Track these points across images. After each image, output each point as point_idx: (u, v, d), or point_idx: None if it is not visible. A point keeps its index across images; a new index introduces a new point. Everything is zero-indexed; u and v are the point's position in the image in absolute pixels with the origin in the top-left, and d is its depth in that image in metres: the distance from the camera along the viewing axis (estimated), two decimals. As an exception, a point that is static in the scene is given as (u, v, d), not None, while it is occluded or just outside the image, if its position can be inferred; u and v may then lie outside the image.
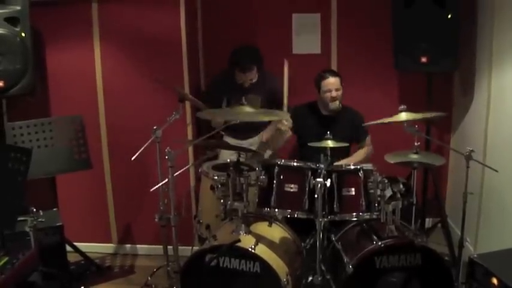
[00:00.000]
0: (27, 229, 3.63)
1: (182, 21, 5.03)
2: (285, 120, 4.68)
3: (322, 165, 3.79)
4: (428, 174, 5.44)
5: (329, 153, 4.03)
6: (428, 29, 4.88)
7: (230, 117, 4.36)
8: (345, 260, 3.73)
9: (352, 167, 3.95)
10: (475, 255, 3.46)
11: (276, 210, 3.86)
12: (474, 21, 5.07)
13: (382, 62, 5.54)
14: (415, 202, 4.06)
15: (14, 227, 3.41)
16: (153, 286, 4.72)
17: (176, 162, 4.01)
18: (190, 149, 5.26)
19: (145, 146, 4.11)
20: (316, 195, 3.40)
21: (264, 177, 3.88)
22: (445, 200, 6.03)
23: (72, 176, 4.96)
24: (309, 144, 4.28)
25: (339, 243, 4.07)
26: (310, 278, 3.69)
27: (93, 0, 5.11)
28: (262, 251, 3.67)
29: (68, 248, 4.86)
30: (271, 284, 3.58)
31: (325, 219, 3.78)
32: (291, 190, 3.85)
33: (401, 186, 3.81)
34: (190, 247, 4.62)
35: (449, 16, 4.82)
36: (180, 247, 4.28)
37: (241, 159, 4.10)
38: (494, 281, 3.19)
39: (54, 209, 4.84)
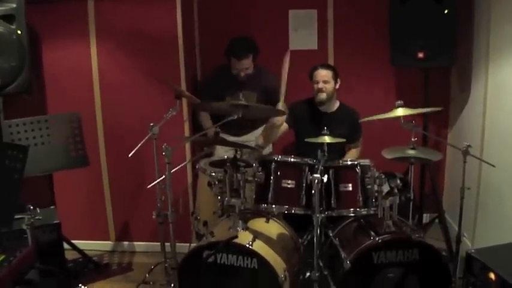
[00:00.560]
0: (24, 227, 3.62)
1: (178, 18, 5.02)
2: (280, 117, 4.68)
3: (319, 161, 3.79)
4: (426, 169, 5.44)
5: (326, 149, 4.02)
6: (425, 25, 4.89)
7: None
8: (343, 255, 3.73)
9: (349, 163, 3.96)
10: (473, 250, 3.46)
11: (273, 206, 3.87)
12: (471, 17, 5.07)
13: (379, 58, 5.55)
14: (412, 197, 4.06)
15: (10, 225, 3.40)
16: (151, 283, 4.71)
17: (173, 159, 4.02)
18: (187, 146, 5.26)
19: (142, 142, 4.11)
20: (313, 191, 3.39)
21: (261, 173, 3.89)
22: (443, 195, 6.04)
23: (69, 173, 4.95)
24: (305, 139, 4.27)
25: (337, 239, 4.07)
26: (307, 274, 3.67)
27: (90, -3, 5.12)
28: (259, 247, 3.67)
29: (66, 245, 4.84)
30: (268, 280, 3.58)
31: (323, 215, 3.79)
32: (288, 186, 3.85)
33: (398, 181, 3.80)
34: (188, 244, 4.61)
35: (445, 11, 4.81)
36: (177, 244, 4.30)
37: (238, 156, 4.09)
38: (492, 275, 3.20)
39: (52, 207, 4.81)
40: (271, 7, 5.81)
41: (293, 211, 3.84)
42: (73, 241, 5.10)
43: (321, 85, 4.80)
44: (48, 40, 5.24)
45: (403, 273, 3.74)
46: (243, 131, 5.36)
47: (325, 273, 3.89)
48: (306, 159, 3.89)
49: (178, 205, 4.36)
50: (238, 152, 4.14)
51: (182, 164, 4.52)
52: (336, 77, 4.85)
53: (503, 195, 4.29)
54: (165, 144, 3.94)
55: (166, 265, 4.47)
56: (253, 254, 3.61)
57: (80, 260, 5.19)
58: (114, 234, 5.63)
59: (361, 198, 3.85)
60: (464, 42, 5.17)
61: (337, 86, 4.88)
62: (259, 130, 5.31)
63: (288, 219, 4.32)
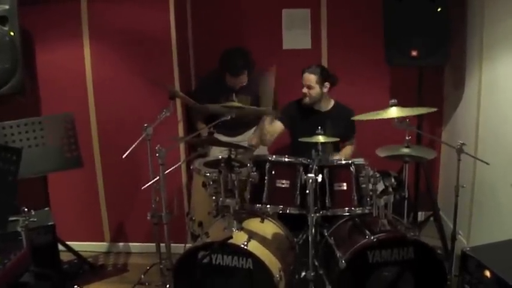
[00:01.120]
0: (18, 229, 3.62)
1: (172, 18, 5.01)
2: (268, 124, 4.69)
3: (313, 161, 3.79)
4: (420, 167, 5.44)
5: (320, 148, 4.02)
6: (419, 23, 4.89)
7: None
8: (338, 254, 3.73)
9: (343, 162, 3.95)
10: (468, 248, 3.46)
11: (268, 206, 3.86)
12: (464, 15, 5.08)
13: (372, 56, 5.55)
14: (407, 196, 4.06)
15: (5, 227, 3.40)
16: (147, 284, 4.71)
17: (168, 160, 4.01)
18: (182, 146, 5.25)
19: (136, 143, 4.11)
20: (307, 191, 3.39)
21: (255, 173, 3.88)
22: (437, 193, 6.05)
23: (63, 174, 4.95)
24: (299, 139, 4.28)
25: (332, 238, 4.07)
26: (303, 274, 3.69)
27: (83, -2, 5.10)
28: (254, 247, 3.67)
29: (61, 247, 4.85)
30: (264, 280, 3.58)
31: (317, 215, 3.78)
32: (283, 186, 3.84)
33: (392, 180, 3.80)
34: (183, 244, 4.62)
35: (439, 10, 4.82)
36: (173, 244, 4.30)
37: (232, 156, 4.09)
38: (487, 273, 3.20)
39: (46, 209, 4.82)
40: (265, 7, 5.80)
41: (288, 211, 3.83)
42: (68, 242, 5.09)
43: (304, 90, 4.82)
44: (42, 41, 5.22)
45: (398, 272, 3.75)
46: (237, 132, 5.37)
47: (321, 272, 3.89)
48: (300, 159, 3.88)
49: (173, 206, 4.37)
50: (233, 152, 4.14)
51: (176, 165, 4.51)
52: (323, 80, 4.83)
53: (497, 193, 4.30)
54: (158, 145, 3.94)
55: (161, 266, 4.46)
56: (248, 254, 3.61)
57: (75, 261, 5.18)
58: (109, 235, 5.62)
59: (355, 197, 3.84)
60: (457, 40, 5.17)
61: (325, 89, 4.87)
62: (253, 130, 5.31)
63: (283, 218, 4.32)
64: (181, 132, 5.23)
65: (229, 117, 3.96)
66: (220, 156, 4.13)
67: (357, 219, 4.12)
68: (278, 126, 4.92)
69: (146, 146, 4.22)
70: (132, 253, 5.60)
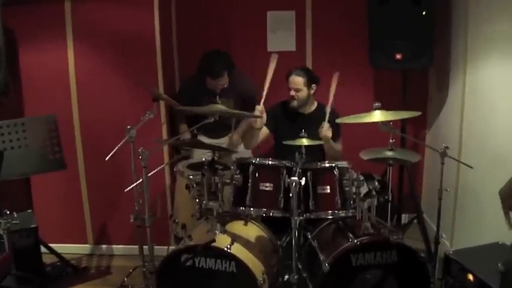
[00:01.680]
0: (0, 232, 3.60)
1: (156, 20, 5.00)
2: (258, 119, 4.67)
3: (297, 164, 3.79)
4: (404, 170, 5.45)
5: (304, 151, 4.02)
6: (403, 26, 4.91)
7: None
8: (321, 258, 3.72)
9: (327, 165, 3.95)
10: (451, 252, 3.48)
11: (252, 209, 3.85)
12: (448, 18, 5.10)
13: (357, 59, 5.57)
14: (390, 199, 4.06)
15: (-14, 230, 3.38)
16: (130, 287, 4.69)
17: (151, 161, 4.00)
18: (165, 148, 5.23)
19: (119, 146, 4.08)
20: (291, 194, 3.38)
21: (239, 176, 3.88)
22: (421, 196, 6.07)
23: (46, 176, 4.92)
24: (283, 142, 4.27)
25: (315, 241, 4.06)
26: (286, 277, 3.68)
27: (66, -1, 5.07)
28: (237, 250, 3.66)
29: (44, 249, 4.82)
30: (247, 283, 3.56)
31: (301, 218, 3.79)
32: (266, 189, 3.85)
33: (376, 183, 3.81)
34: (167, 247, 4.60)
35: (423, 13, 4.83)
36: (156, 247, 4.28)
37: (216, 158, 4.08)
38: (470, 277, 3.22)
39: (29, 211, 4.79)
40: (250, 9, 5.81)
41: (271, 214, 3.84)
42: (51, 245, 5.05)
43: (292, 93, 4.81)
44: (25, 42, 5.18)
45: (381, 275, 3.74)
46: (220, 134, 5.34)
47: (304, 275, 3.89)
48: (283, 162, 3.89)
49: (156, 208, 4.34)
50: (216, 154, 4.13)
51: (159, 168, 4.50)
52: (310, 82, 4.83)
53: (481, 196, 4.31)
54: (141, 148, 3.92)
55: (144, 269, 4.44)
56: (231, 257, 3.59)
57: (58, 263, 5.14)
58: (92, 237, 5.59)
59: (339, 201, 3.86)
60: (442, 43, 5.19)
61: (313, 91, 4.88)
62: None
63: (266, 221, 4.31)
64: (164, 134, 5.21)
65: (212, 119, 3.95)
66: (204, 159, 4.11)
67: (340, 222, 4.11)
68: (263, 130, 4.91)
69: (129, 148, 4.20)
70: (115, 255, 5.57)
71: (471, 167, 3.89)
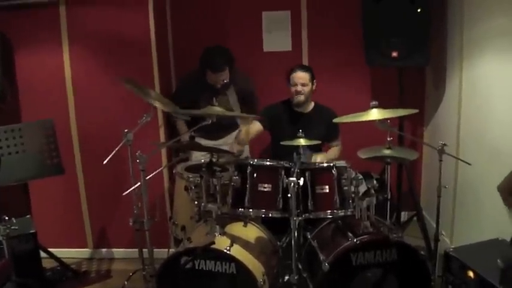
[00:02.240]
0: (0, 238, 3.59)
1: (151, 22, 4.99)
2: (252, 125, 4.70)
3: (295, 164, 3.79)
4: (403, 168, 5.45)
5: (302, 150, 4.01)
6: (399, 24, 4.90)
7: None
8: (321, 257, 3.71)
9: (325, 165, 3.94)
10: (451, 249, 3.48)
11: (250, 210, 3.85)
12: (444, 16, 5.10)
13: (353, 58, 5.58)
14: (389, 197, 4.06)
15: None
16: (130, 290, 4.69)
17: (149, 164, 3.98)
18: (163, 151, 5.23)
19: (116, 149, 4.07)
20: (289, 195, 3.38)
21: (237, 177, 3.87)
22: (420, 193, 6.06)
23: (44, 181, 4.89)
24: (281, 143, 4.27)
25: (315, 241, 4.05)
26: (286, 277, 3.67)
27: (61, 3, 5.04)
28: (237, 251, 3.66)
29: (43, 254, 4.81)
30: (247, 284, 3.56)
31: (300, 218, 3.78)
32: (265, 190, 3.83)
33: (374, 182, 3.80)
34: (167, 249, 4.59)
35: (419, 11, 4.83)
36: (156, 249, 4.27)
37: (214, 160, 4.08)
38: (470, 274, 3.22)
39: (27, 216, 4.78)
40: (245, 9, 5.81)
41: (270, 215, 3.83)
42: (50, 249, 5.04)
43: (299, 88, 4.81)
44: (21, 47, 5.17)
45: (382, 274, 3.74)
46: (218, 135, 5.35)
47: (304, 275, 3.89)
48: (281, 163, 3.88)
49: (155, 211, 4.33)
50: (215, 156, 4.13)
51: (157, 171, 4.48)
52: (313, 78, 4.87)
53: (479, 193, 4.31)
54: (138, 151, 3.90)
55: (144, 272, 4.43)
56: (231, 259, 3.59)
57: (58, 268, 5.13)
58: (91, 241, 5.58)
59: (338, 200, 3.84)
60: (438, 41, 5.19)
61: (314, 88, 4.89)
62: (235, 133, 5.31)
63: (266, 222, 4.30)
64: (162, 137, 5.20)
65: (209, 121, 3.95)
66: (202, 160, 4.10)
67: (339, 221, 4.10)
68: (256, 127, 4.91)
69: (127, 152, 4.19)
70: (115, 259, 5.56)
71: (469, 164, 3.89)
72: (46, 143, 4.66)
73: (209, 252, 3.61)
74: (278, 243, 4.26)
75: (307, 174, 3.83)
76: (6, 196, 4.35)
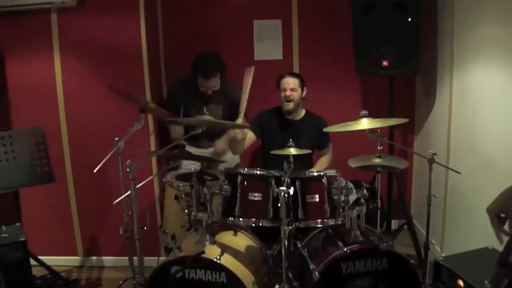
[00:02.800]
0: (-11, 246, 3.59)
1: (142, 30, 4.98)
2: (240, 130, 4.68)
3: (285, 173, 3.80)
4: (393, 176, 5.45)
5: (292, 160, 4.02)
6: (389, 33, 4.91)
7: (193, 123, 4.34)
8: (311, 266, 3.72)
9: (315, 174, 3.95)
10: (441, 258, 3.48)
11: (241, 219, 3.85)
12: (434, 25, 5.12)
13: (343, 67, 5.59)
14: (379, 206, 4.07)
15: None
16: (120, 299, 4.68)
17: (140, 172, 3.97)
18: (154, 159, 5.21)
19: (106, 158, 4.05)
20: (280, 204, 3.38)
21: (227, 186, 3.87)
22: (411, 202, 6.07)
23: (35, 189, 4.86)
24: (271, 152, 4.27)
25: (305, 250, 4.05)
26: (277, 286, 3.67)
27: (53, 10, 5.02)
28: (227, 261, 3.66)
29: (33, 262, 4.79)
30: (238, 293, 3.56)
31: (290, 227, 3.77)
32: (255, 199, 3.84)
33: (365, 191, 3.81)
34: (157, 258, 4.59)
35: (409, 20, 4.84)
36: (146, 258, 4.27)
37: (204, 169, 4.08)
38: (461, 283, 3.22)
39: (17, 224, 4.75)
40: (236, 18, 5.82)
41: (260, 224, 3.83)
42: (41, 257, 5.01)
43: (288, 93, 4.83)
44: (12, 54, 5.16)
45: (372, 283, 3.75)
46: (209, 144, 5.34)
47: (295, 284, 3.88)
48: (272, 172, 3.88)
49: (145, 219, 4.32)
50: (205, 165, 4.13)
51: (147, 180, 4.47)
52: (302, 85, 4.89)
53: (469, 202, 4.32)
54: (129, 160, 3.88)
55: (134, 282, 4.42)
56: (221, 268, 3.60)
57: (48, 276, 5.10)
58: (82, 249, 5.55)
59: (328, 209, 3.85)
60: (428, 50, 5.21)
61: (304, 94, 4.91)
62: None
63: (256, 230, 4.31)
64: (153, 145, 5.19)
65: (200, 130, 3.95)
66: (192, 169, 4.10)
67: (330, 230, 4.11)
68: (249, 136, 4.91)
69: (118, 160, 4.18)
70: (105, 267, 5.54)
71: (459, 173, 3.90)
72: (36, 150, 4.65)
73: (199, 261, 3.60)
74: (268, 251, 4.26)
75: (297, 183, 3.83)
76: (-4, 204, 4.35)
